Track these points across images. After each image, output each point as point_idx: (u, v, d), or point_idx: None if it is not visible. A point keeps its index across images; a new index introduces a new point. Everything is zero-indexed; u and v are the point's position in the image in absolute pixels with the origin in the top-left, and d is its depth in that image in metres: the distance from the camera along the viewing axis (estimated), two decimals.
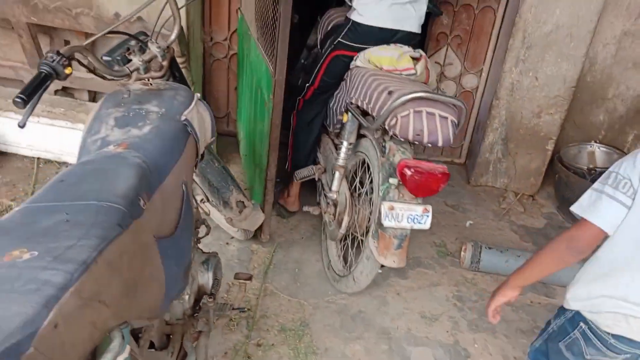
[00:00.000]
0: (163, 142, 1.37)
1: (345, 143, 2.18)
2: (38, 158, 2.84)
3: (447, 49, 3.04)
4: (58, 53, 1.35)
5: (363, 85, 2.02)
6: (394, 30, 2.19)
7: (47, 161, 2.84)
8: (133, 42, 1.63)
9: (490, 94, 2.99)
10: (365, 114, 2.06)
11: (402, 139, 1.83)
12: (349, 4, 2.50)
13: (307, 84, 2.37)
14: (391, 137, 1.89)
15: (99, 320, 0.95)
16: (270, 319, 2.06)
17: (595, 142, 3.11)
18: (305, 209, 2.44)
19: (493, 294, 1.52)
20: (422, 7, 2.25)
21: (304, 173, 2.46)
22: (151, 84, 1.55)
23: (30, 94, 1.29)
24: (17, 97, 1.27)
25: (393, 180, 1.84)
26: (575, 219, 1.37)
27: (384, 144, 1.94)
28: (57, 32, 2.82)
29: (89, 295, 0.91)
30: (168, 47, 1.66)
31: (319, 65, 2.31)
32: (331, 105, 2.37)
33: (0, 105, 2.78)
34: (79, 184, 1.14)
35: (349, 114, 2.15)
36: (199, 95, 1.58)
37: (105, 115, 1.42)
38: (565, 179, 2.91)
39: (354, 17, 2.21)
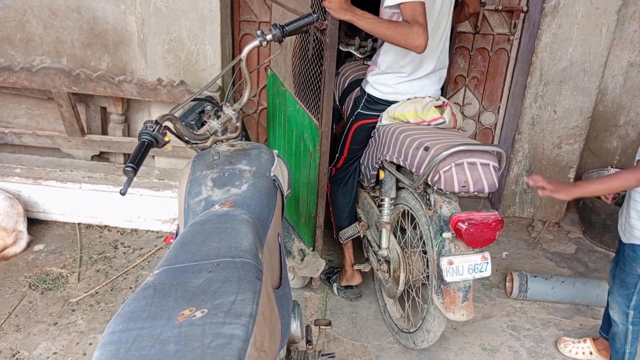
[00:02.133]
0: (261, 198, 1.45)
1: (386, 199, 2.20)
2: (79, 224, 2.88)
3: (465, 90, 3.20)
4: (156, 122, 1.43)
5: (395, 142, 2.02)
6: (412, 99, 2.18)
7: (88, 226, 2.88)
8: (209, 107, 1.74)
9: (511, 128, 3.14)
10: (399, 167, 2.09)
11: (448, 192, 1.83)
12: (358, 56, 2.61)
13: (337, 154, 2.40)
14: (434, 189, 1.88)
15: None
16: None
17: (612, 167, 3.25)
18: (356, 267, 2.45)
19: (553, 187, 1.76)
20: (443, 73, 2.23)
21: (348, 233, 2.47)
22: (235, 145, 1.64)
23: (137, 162, 1.37)
24: (128, 166, 1.35)
25: (447, 234, 1.85)
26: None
27: (427, 197, 1.95)
28: (94, 99, 2.92)
29: (259, 345, 0.97)
30: (241, 109, 1.76)
31: (344, 137, 2.34)
32: (362, 161, 2.39)
33: (40, 174, 2.84)
34: (205, 243, 1.21)
35: (385, 171, 2.17)
36: (277, 151, 1.68)
37: (202, 177, 1.50)
38: (590, 205, 3.03)
39: (369, 90, 2.21)
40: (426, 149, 1.84)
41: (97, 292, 2.42)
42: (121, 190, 1.42)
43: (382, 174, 2.20)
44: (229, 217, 1.32)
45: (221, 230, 1.26)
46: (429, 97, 2.14)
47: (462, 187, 1.78)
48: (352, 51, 2.65)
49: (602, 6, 2.73)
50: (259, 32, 1.80)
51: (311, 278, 2.46)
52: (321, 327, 1.77)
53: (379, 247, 2.24)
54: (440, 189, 1.82)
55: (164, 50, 2.73)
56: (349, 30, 2.70)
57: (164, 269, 1.12)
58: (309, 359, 1.66)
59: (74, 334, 2.19)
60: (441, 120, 2.06)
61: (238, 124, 1.73)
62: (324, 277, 2.57)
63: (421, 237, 2.04)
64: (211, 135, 1.66)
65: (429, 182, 1.84)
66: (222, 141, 1.68)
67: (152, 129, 1.41)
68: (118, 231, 2.87)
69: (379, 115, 2.21)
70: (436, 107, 2.09)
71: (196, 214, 1.40)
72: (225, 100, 1.78)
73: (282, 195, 1.59)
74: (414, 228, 2.13)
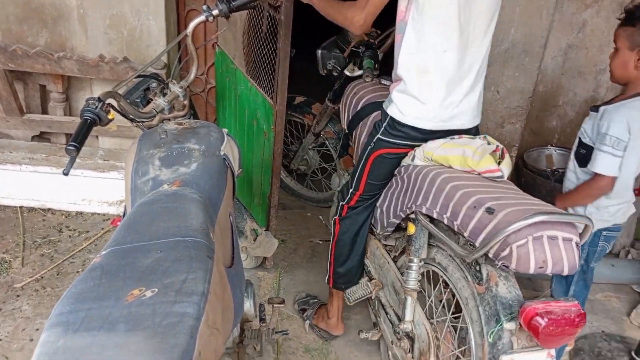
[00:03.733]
0: (211, 177, 1.44)
1: (415, 260, 1.78)
2: (20, 207, 2.76)
3: None
4: (99, 99, 1.39)
5: (438, 192, 1.62)
6: (446, 132, 1.79)
7: (31, 209, 2.77)
8: (155, 84, 1.69)
9: None
10: (432, 218, 1.70)
11: (516, 271, 1.47)
12: (366, 79, 2.15)
13: (351, 190, 1.99)
14: (497, 264, 1.48)
15: (218, 346, 1.02)
16: (293, 341, 2.13)
17: (552, 145, 3.40)
18: (362, 335, 2.05)
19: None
20: (479, 93, 1.86)
21: (358, 293, 2.08)
22: (183, 123, 1.61)
23: (80, 141, 1.33)
24: (70, 145, 1.31)
25: (510, 325, 1.47)
26: None
27: (478, 268, 1.57)
28: (32, 77, 2.78)
29: (212, 323, 0.98)
30: (188, 86, 1.73)
31: (360, 168, 1.93)
32: (379, 204, 1.99)
33: None
34: (154, 223, 1.19)
35: (418, 225, 1.75)
36: (226, 130, 1.66)
37: (149, 156, 1.47)
38: (531, 182, 3.17)
39: (393, 113, 1.80)
40: (490, 211, 1.45)
41: (42, 277, 2.35)
42: (64, 170, 1.38)
43: (411, 228, 1.77)
44: (178, 196, 1.31)
45: (170, 210, 1.24)
46: (480, 138, 1.73)
47: (540, 267, 1.40)
48: (361, 73, 2.25)
49: None
50: (205, 7, 1.76)
51: (264, 258, 2.47)
52: (274, 305, 1.79)
53: (400, 318, 1.84)
54: (506, 267, 1.44)
55: (105, 26, 2.62)
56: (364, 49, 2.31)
57: (112, 249, 1.11)
58: (262, 337, 1.68)
59: (20, 320, 2.12)
60: (499, 174, 1.62)
61: (185, 102, 1.70)
62: (297, 308, 2.33)
63: (449, 305, 1.72)
64: (157, 113, 1.62)
65: (491, 255, 1.46)
66: (169, 119, 1.65)
67: (94, 107, 1.37)
68: (62, 214, 2.77)
69: (405, 145, 1.83)
70: (490, 154, 1.66)
71: (144, 194, 1.37)
72: (171, 77, 1.74)
73: (233, 174, 1.58)
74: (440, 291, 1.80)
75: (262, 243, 2.19)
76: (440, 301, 1.78)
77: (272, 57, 2.11)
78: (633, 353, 2.26)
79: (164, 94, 1.66)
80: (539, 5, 2.83)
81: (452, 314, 1.71)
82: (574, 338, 1.49)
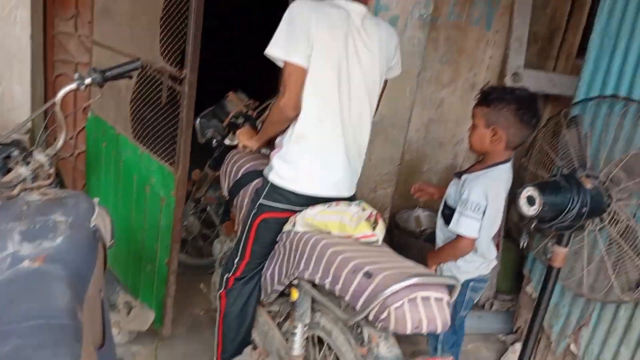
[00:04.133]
0: (79, 251, 1.35)
1: (299, 326, 1.79)
2: None
3: None
4: None
5: (319, 258, 1.67)
6: (325, 198, 1.85)
7: None
8: (16, 152, 1.57)
9: None
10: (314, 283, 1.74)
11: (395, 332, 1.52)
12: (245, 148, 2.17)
13: (237, 259, 1.97)
14: (377, 326, 1.53)
15: None
16: None
17: (419, 207, 3.66)
18: None
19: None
20: (359, 164, 1.98)
21: None
22: (48, 193, 1.50)
23: None
24: None
25: None
26: None
27: (359, 331, 1.62)
28: None
29: None
30: (55, 154, 1.63)
31: (245, 235, 1.94)
32: (263, 271, 1.99)
33: None
34: (13, 305, 1.08)
35: (300, 290, 1.78)
36: (97, 200, 1.57)
37: (7, 230, 1.34)
38: (403, 242, 3.36)
39: (273, 178, 1.87)
40: (368, 275, 1.52)
41: None
42: None
43: (294, 294, 1.79)
44: (41, 274, 1.20)
45: (32, 290, 1.13)
46: (356, 204, 1.81)
47: (416, 327, 1.47)
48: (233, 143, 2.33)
49: (406, 69, 3.11)
50: (77, 75, 1.70)
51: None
52: None
53: None
54: (385, 328, 1.49)
55: None
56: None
57: None
58: None
59: None
60: (374, 239, 1.73)
61: (51, 171, 1.59)
62: None
63: None
64: (19, 183, 1.50)
65: (370, 318, 1.50)
66: (32, 189, 1.53)
67: None
68: None
69: (287, 209, 1.87)
70: (366, 219, 1.75)
71: (1, 272, 1.24)
72: (36, 144, 1.63)
73: (105, 247, 1.48)
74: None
75: (137, 316, 2.05)
76: None
77: (171, 125, 2.12)
78: None
79: (27, 163, 1.55)
80: (403, 84, 3.13)
81: None
82: None
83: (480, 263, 2.12)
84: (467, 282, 2.11)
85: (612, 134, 2.02)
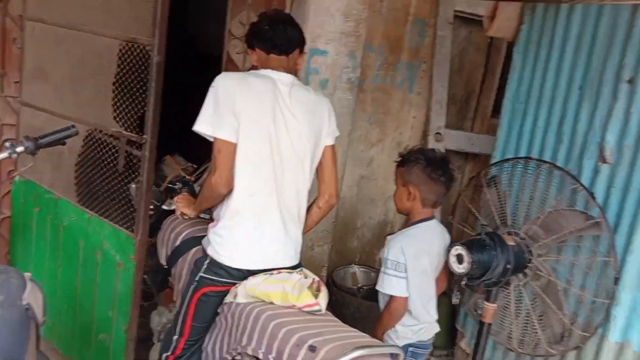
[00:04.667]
0: (11, 332, 1.28)
1: None
2: None
3: None
4: None
5: (262, 331, 1.64)
6: (267, 270, 1.82)
7: None
8: None
9: None
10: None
11: None
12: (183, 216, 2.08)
13: (175, 337, 1.88)
14: None
15: None
16: None
17: (355, 264, 3.73)
18: None
19: None
20: (300, 231, 1.96)
21: None
22: None
23: None
24: None
25: None
26: None
27: None
28: None
29: None
30: None
31: (184, 311, 1.86)
32: (205, 346, 1.91)
33: None
34: None
35: None
36: (29, 275, 1.50)
37: None
38: (341, 300, 3.39)
39: (212, 253, 1.83)
40: (312, 349, 1.51)
41: None
42: None
43: None
44: None
45: None
46: (297, 272, 1.82)
47: None
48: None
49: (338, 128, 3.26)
50: (8, 144, 1.66)
51: None
52: None
53: None
54: None
55: None
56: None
57: None
58: None
59: None
60: (317, 308, 1.72)
61: None
62: None
63: None
64: None
65: None
66: None
67: None
68: None
69: (227, 283, 1.82)
70: (308, 287, 1.75)
71: None
72: None
73: (37, 325, 1.41)
74: None
75: None
76: None
77: (127, 189, 2.15)
78: None
79: None
80: (335, 144, 3.24)
81: None
82: None
83: (419, 327, 2.14)
84: (406, 346, 2.12)
85: (529, 192, 2.19)
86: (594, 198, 1.98)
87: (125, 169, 2.22)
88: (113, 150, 2.23)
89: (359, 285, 3.55)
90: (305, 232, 2.05)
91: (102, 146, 2.27)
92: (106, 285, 2.27)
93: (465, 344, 2.74)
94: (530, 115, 2.37)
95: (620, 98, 1.97)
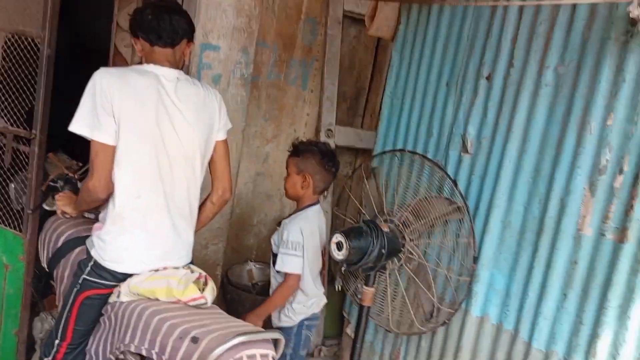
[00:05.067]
0: None
1: None
2: None
3: None
4: None
5: (145, 327, 1.62)
6: (156, 270, 1.79)
7: None
8: None
9: None
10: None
11: None
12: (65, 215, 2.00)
13: (57, 341, 1.80)
14: None
15: None
16: None
17: (250, 261, 3.73)
18: None
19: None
20: (192, 231, 1.91)
21: None
22: None
23: None
24: None
25: None
26: None
27: None
28: None
29: None
30: None
31: (66, 314, 1.79)
32: (89, 348, 1.85)
33: None
34: None
35: None
36: None
37: None
38: (237, 297, 3.39)
39: (95, 255, 1.76)
40: (194, 340, 1.52)
41: None
42: None
43: None
44: None
45: None
46: (184, 268, 1.80)
47: None
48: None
49: (232, 125, 3.26)
50: None
51: None
52: None
53: None
54: None
55: None
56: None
57: None
58: None
59: None
60: (202, 301, 1.72)
61: None
62: None
63: None
64: None
65: None
66: None
67: None
68: None
69: (112, 285, 1.77)
70: (194, 282, 1.75)
71: None
72: None
73: None
74: None
75: None
76: None
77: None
78: None
79: None
80: (230, 139, 3.23)
81: None
82: None
83: (312, 302, 2.31)
84: (302, 322, 2.29)
85: (404, 182, 2.32)
86: (456, 185, 2.13)
87: (11, 166, 2.13)
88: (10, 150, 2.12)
89: (255, 282, 3.57)
90: (198, 229, 2.03)
91: None
92: None
93: (350, 330, 2.85)
94: (406, 110, 2.52)
95: (480, 93, 2.15)
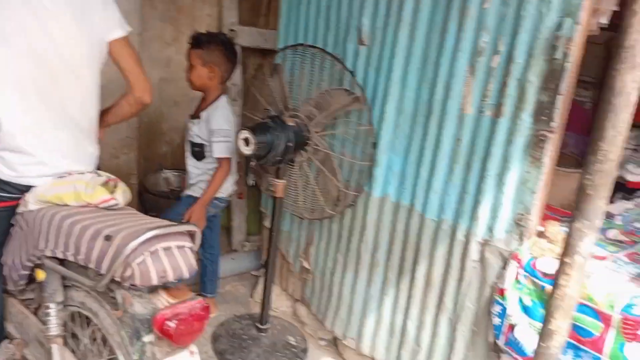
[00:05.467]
0: None
1: (52, 306, 1.74)
2: None
3: None
4: None
5: (58, 232, 1.64)
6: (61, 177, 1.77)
7: None
8: None
9: None
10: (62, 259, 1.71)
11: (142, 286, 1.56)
12: None
13: None
14: (126, 285, 1.57)
15: None
16: None
17: (166, 169, 3.74)
18: None
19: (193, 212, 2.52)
20: (93, 141, 1.87)
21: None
22: None
23: None
24: None
25: (148, 338, 1.56)
26: None
27: (112, 295, 1.64)
28: None
29: None
30: None
31: None
32: (4, 260, 1.86)
33: None
34: None
35: (47, 270, 1.73)
36: None
37: None
38: (155, 204, 3.43)
39: None
40: (107, 238, 1.54)
41: None
42: None
43: (40, 275, 1.73)
44: None
45: None
46: (89, 172, 1.78)
47: (161, 277, 1.53)
48: None
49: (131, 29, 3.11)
50: None
51: None
52: None
53: None
54: (134, 285, 1.52)
55: None
56: None
57: None
58: None
59: None
60: (114, 202, 1.72)
61: None
62: None
63: (104, 342, 1.71)
64: None
65: (117, 278, 1.52)
66: None
67: None
68: None
69: (15, 198, 1.75)
70: (102, 185, 1.75)
71: None
72: None
73: None
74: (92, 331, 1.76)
75: None
76: (94, 340, 1.76)
77: None
78: (257, 324, 2.73)
79: None
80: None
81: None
82: (204, 328, 1.60)
83: (231, 183, 2.66)
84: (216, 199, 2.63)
85: (306, 77, 2.39)
86: (354, 77, 2.23)
87: None
88: None
89: (172, 188, 3.61)
90: (106, 125, 2.03)
91: None
92: None
93: (268, 222, 3.01)
94: (304, 5, 2.52)
95: None
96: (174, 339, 1.50)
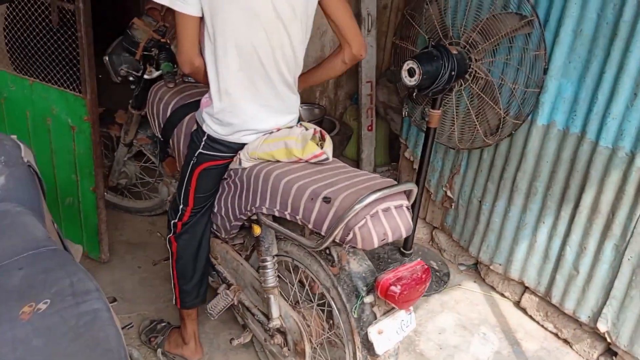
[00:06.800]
0: (26, 187, 1.35)
1: (268, 259, 1.79)
2: None
3: None
4: None
5: (274, 191, 1.63)
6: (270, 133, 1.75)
7: None
8: None
9: None
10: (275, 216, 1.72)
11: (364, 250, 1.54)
12: (168, 85, 2.04)
13: (181, 206, 1.88)
14: (345, 248, 1.57)
15: None
16: None
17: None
18: (235, 342, 1.99)
19: None
20: (295, 93, 1.79)
21: (220, 305, 2.00)
22: None
23: None
24: None
25: (369, 298, 1.56)
26: None
27: (328, 252, 1.64)
28: None
29: None
30: None
31: (186, 183, 1.84)
32: (217, 211, 1.93)
33: None
34: None
35: (262, 226, 1.77)
36: (15, 136, 1.52)
37: None
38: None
39: (208, 130, 1.75)
40: (327, 200, 1.51)
41: None
42: None
43: (257, 230, 1.78)
44: (4, 213, 1.21)
45: (5, 228, 1.15)
46: (297, 126, 1.74)
47: (382, 240, 1.49)
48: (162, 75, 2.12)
49: None
50: None
51: None
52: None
53: (268, 318, 1.84)
54: (354, 247, 1.51)
55: None
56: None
57: None
58: None
59: None
60: (324, 157, 1.68)
61: None
62: (145, 338, 2.15)
63: (311, 288, 1.79)
64: None
65: (337, 241, 1.50)
66: None
67: None
68: None
69: (229, 156, 1.78)
70: (311, 139, 1.68)
71: None
72: None
73: (40, 180, 1.48)
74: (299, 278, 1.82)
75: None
76: (303, 287, 1.83)
77: (66, 49, 2.06)
78: (402, 249, 2.85)
79: None
80: None
81: (317, 297, 1.79)
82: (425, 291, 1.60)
83: None
84: None
85: (466, 3, 2.32)
86: None
87: (60, 26, 2.11)
88: (43, 7, 2.09)
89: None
90: (306, 85, 1.96)
91: (30, 3, 2.12)
92: (63, 151, 2.28)
93: (409, 153, 3.06)
94: None
95: None
96: (398, 303, 1.49)
